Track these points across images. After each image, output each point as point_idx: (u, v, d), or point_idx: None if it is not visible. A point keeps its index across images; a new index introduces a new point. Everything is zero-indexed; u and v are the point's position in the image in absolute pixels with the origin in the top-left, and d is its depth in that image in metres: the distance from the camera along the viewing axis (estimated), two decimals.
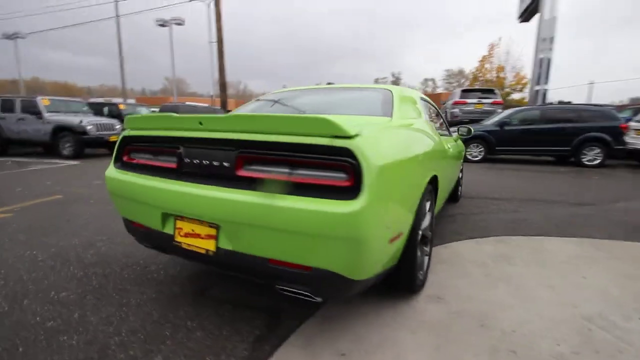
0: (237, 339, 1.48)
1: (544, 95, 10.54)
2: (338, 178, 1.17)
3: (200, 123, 1.39)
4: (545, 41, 10.41)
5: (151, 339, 1.48)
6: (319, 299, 1.33)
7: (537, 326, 1.56)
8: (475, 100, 10.56)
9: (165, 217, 1.53)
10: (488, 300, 1.77)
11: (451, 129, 3.76)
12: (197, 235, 1.44)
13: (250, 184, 1.28)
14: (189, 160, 1.46)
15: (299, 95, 2.49)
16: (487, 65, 27.35)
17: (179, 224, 1.49)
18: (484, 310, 1.68)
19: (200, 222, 1.42)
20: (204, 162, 1.42)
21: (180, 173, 1.48)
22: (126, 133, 1.72)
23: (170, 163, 1.53)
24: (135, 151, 1.73)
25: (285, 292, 1.36)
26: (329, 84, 3.10)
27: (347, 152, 1.13)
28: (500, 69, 26.73)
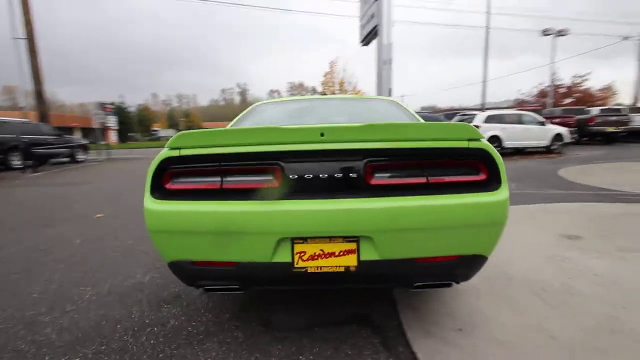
0: (371, 352, 1.46)
1: None
2: (474, 174, 1.37)
3: (322, 134, 1.32)
4: (385, 62, 13.00)
5: None
6: (457, 283, 1.47)
7: None
8: None
9: (279, 243, 1.34)
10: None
11: None
12: (330, 255, 1.34)
13: (387, 190, 1.33)
14: (298, 176, 1.34)
15: (317, 105, 2.48)
16: (333, 80, 31.44)
17: (300, 247, 1.34)
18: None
19: (332, 239, 1.33)
20: (321, 175, 1.34)
21: (285, 191, 1.34)
22: (185, 153, 1.38)
23: (265, 182, 1.35)
24: (197, 175, 1.40)
25: (420, 289, 1.45)
26: (322, 94, 3.12)
27: (483, 152, 1.35)
28: (342, 83, 31.31)
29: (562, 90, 29.30)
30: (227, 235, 1.34)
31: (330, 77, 31.68)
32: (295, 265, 1.34)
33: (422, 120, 2.16)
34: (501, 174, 1.36)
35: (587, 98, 27.84)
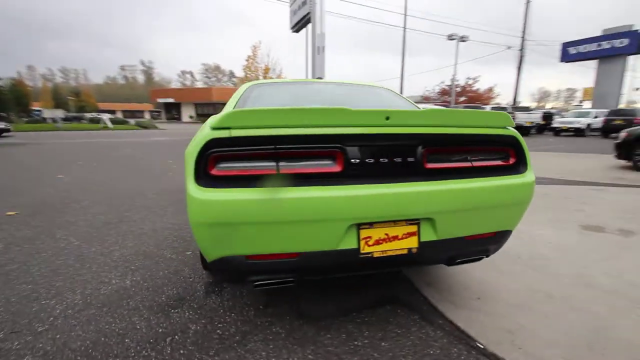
0: (417, 328, 1.53)
1: None
2: (505, 159, 1.53)
3: (387, 118, 1.31)
4: (319, 51, 13.11)
5: None
6: (487, 257, 1.62)
7: None
8: None
9: (348, 229, 1.29)
10: None
11: None
12: (394, 238, 1.35)
13: (441, 174, 1.39)
14: (360, 160, 1.30)
15: (319, 88, 2.36)
16: (255, 65, 30.31)
17: (366, 232, 1.32)
18: None
19: (396, 222, 1.34)
20: (382, 160, 1.33)
21: (349, 176, 1.29)
22: (236, 134, 1.20)
23: (326, 167, 1.28)
24: (250, 159, 1.24)
25: (457, 264, 1.56)
26: (319, 78, 2.92)
27: (513, 139, 1.51)
28: (267, 69, 30.48)
29: (457, 90, 33.92)
30: (293, 224, 1.24)
31: (253, 62, 30.59)
32: (362, 251, 1.31)
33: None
34: (527, 158, 1.54)
35: (477, 97, 32.71)
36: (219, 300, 1.76)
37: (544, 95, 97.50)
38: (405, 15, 19.19)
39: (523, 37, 22.62)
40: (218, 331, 1.51)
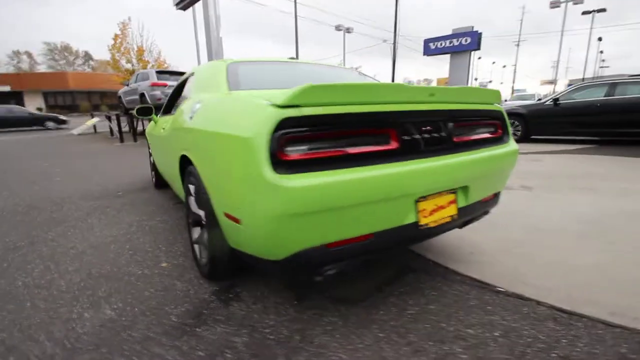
0: (448, 287, 1.69)
1: None
2: (494, 132, 1.78)
3: (432, 95, 1.37)
4: (215, 34, 12.11)
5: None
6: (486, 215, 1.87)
7: None
8: (175, 82, 10.56)
9: (414, 204, 1.32)
10: None
11: None
12: (441, 208, 1.44)
13: (465, 146, 1.55)
14: (412, 137, 1.35)
15: (298, 68, 2.19)
16: (126, 45, 25.97)
17: (422, 205, 1.37)
18: None
19: (440, 193, 1.44)
20: (424, 135, 1.40)
21: (403, 152, 1.32)
22: (306, 112, 1.07)
23: (385, 144, 1.28)
24: (319, 139, 1.13)
25: (465, 226, 1.76)
26: (291, 58, 2.58)
27: (500, 113, 1.78)
28: (141, 51, 26.51)
29: None
30: (372, 204, 1.20)
31: (123, 42, 26.14)
32: (420, 223, 1.37)
33: None
34: (509, 130, 1.85)
35: None
36: (245, 306, 1.57)
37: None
38: (295, 2, 19.41)
39: (395, 32, 25.76)
40: (270, 337, 1.36)
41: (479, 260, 1.94)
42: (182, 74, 10.99)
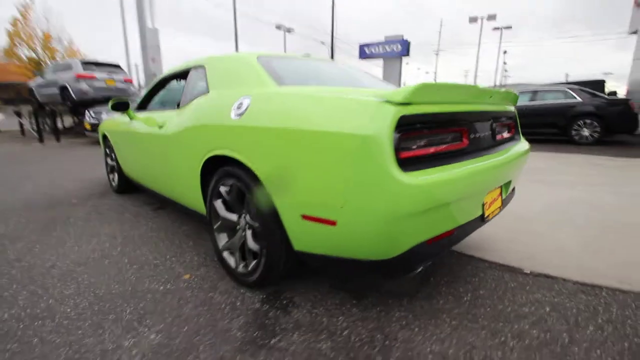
0: (485, 273, 1.81)
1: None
2: (511, 129, 1.97)
3: (491, 96, 1.47)
4: (147, 24, 10.97)
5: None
6: None
7: None
8: (105, 75, 9.29)
9: (482, 198, 1.39)
10: None
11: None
12: (494, 201, 1.55)
13: (501, 143, 1.70)
14: (475, 135, 1.43)
15: (321, 66, 2.09)
16: (28, 31, 22.10)
17: (486, 198, 1.46)
18: None
19: (495, 188, 1.54)
20: (482, 134, 1.50)
21: (471, 151, 1.40)
22: (417, 110, 1.07)
23: (460, 142, 1.34)
24: (418, 137, 1.13)
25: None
26: (306, 55, 2.35)
27: (514, 114, 1.97)
28: (48, 37, 22.82)
29: None
30: (467, 199, 1.25)
31: (25, 28, 22.18)
32: (485, 215, 1.46)
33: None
34: (520, 130, 2.06)
35: None
36: (305, 311, 1.48)
37: None
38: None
39: (332, 35, 26.47)
40: (355, 339, 1.31)
41: (494, 248, 2.13)
42: (114, 66, 9.82)
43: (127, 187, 3.43)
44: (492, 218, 1.55)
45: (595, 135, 7.03)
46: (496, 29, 25.42)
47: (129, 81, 9.96)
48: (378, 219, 1.05)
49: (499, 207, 1.61)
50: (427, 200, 1.05)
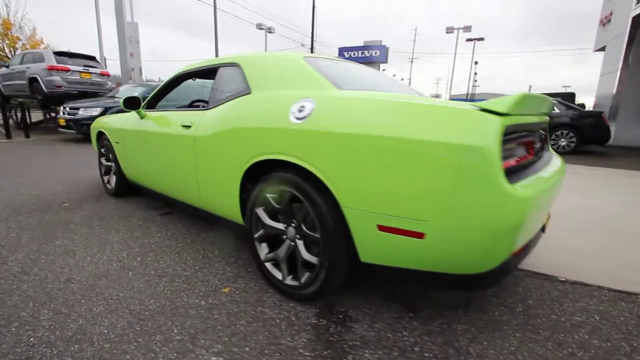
0: (525, 294, 1.83)
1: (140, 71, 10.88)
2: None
3: (547, 107, 1.49)
4: (127, 14, 10.43)
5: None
6: None
7: None
8: (79, 68, 8.68)
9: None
10: None
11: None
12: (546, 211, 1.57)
13: (544, 153, 1.73)
14: (535, 146, 1.45)
15: (356, 69, 2.03)
16: None
17: None
18: None
19: None
20: (537, 145, 1.52)
21: (533, 161, 1.41)
22: (512, 121, 1.05)
23: (528, 154, 1.35)
24: (510, 149, 1.12)
25: None
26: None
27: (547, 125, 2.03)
28: (8, 25, 21.09)
29: None
30: (541, 210, 1.24)
31: None
32: (544, 226, 1.47)
33: None
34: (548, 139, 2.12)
35: None
36: (367, 326, 1.42)
37: None
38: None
39: (312, 37, 26.55)
40: (428, 355, 1.26)
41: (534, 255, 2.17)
42: (89, 58, 9.24)
43: (125, 190, 3.20)
44: (547, 228, 1.57)
45: (572, 145, 7.48)
46: (469, 40, 26.59)
47: (106, 75, 9.40)
48: (485, 232, 1.02)
49: (549, 217, 1.64)
50: (527, 213, 1.04)
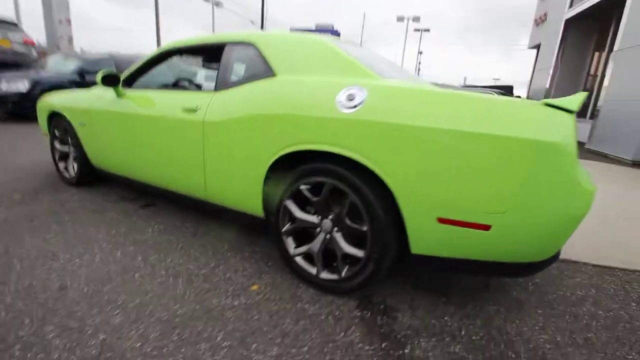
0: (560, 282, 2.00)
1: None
2: None
3: None
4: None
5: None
6: None
7: None
8: None
9: None
10: None
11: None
12: None
13: None
14: None
15: (377, 56, 1.94)
16: None
17: None
18: None
19: None
20: None
21: None
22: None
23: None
24: None
25: None
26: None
27: None
28: None
29: None
30: None
31: None
32: None
33: None
34: None
35: None
36: (408, 315, 1.45)
37: None
38: None
39: (262, 15, 25.44)
40: (476, 338, 1.32)
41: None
42: (8, 23, 7.80)
43: (89, 178, 2.81)
44: None
45: None
46: (417, 30, 27.71)
47: (31, 43, 8.00)
48: (557, 223, 1.08)
49: None
50: (589, 204, 1.12)
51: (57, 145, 2.92)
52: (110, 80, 2.13)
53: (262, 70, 1.69)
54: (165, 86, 2.65)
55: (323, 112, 1.38)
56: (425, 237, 1.29)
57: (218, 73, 1.85)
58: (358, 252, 1.43)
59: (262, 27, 24.45)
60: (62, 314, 1.30)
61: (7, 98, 5.86)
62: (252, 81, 1.69)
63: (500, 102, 1.16)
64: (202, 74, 4.34)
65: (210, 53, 2.00)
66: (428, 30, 26.94)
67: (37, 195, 2.59)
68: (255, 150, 1.59)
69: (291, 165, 1.56)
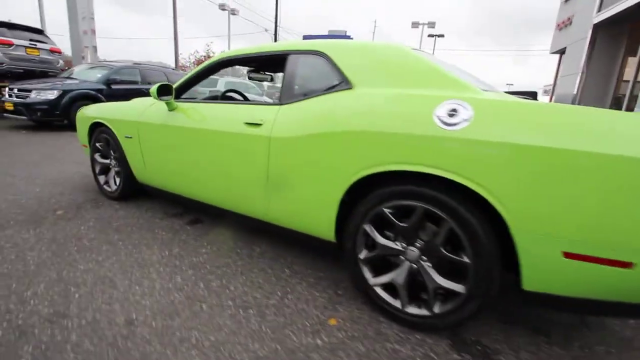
0: None
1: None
2: None
3: None
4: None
5: None
6: None
7: None
8: (26, 43, 7.34)
9: None
10: None
11: None
12: None
13: None
14: None
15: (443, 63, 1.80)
16: None
17: None
18: None
19: None
20: None
21: None
22: None
23: None
24: None
25: None
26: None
27: None
28: None
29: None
30: None
31: None
32: None
33: None
34: None
35: None
36: (512, 358, 1.28)
37: None
38: None
39: (276, 23, 25.62)
40: None
41: None
42: (36, 31, 7.96)
43: (134, 191, 2.74)
44: None
45: None
46: (431, 35, 27.50)
47: (57, 52, 8.13)
48: None
49: None
50: None
51: (98, 158, 2.86)
52: (165, 92, 2.05)
53: (336, 81, 1.57)
54: (214, 98, 2.57)
55: (419, 130, 1.24)
56: (543, 273, 1.13)
57: (282, 85, 1.74)
58: (456, 287, 1.28)
59: (275, 35, 24.64)
60: (137, 357, 1.18)
61: (36, 106, 5.92)
62: (324, 94, 1.57)
63: (621, 116, 1.02)
64: (250, 87, 4.26)
65: (270, 63, 1.90)
66: (442, 35, 26.73)
67: (79, 211, 2.52)
68: (332, 170, 1.46)
69: (367, 188, 1.43)
